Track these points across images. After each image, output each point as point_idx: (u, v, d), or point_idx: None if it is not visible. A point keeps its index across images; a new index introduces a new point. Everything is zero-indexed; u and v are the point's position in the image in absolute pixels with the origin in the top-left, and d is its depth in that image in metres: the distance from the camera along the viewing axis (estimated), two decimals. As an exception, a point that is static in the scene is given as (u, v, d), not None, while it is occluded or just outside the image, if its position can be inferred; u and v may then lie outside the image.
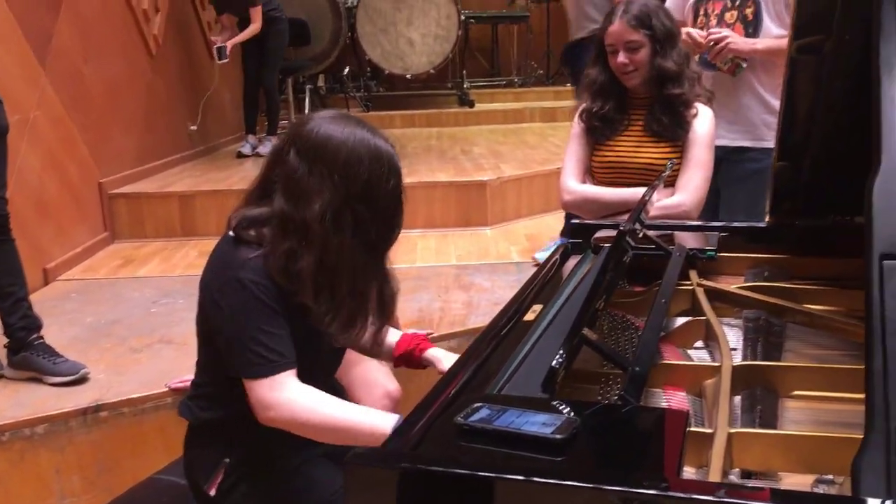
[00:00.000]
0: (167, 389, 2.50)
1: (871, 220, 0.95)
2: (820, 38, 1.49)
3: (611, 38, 2.32)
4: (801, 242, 1.98)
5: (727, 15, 2.58)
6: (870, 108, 1.07)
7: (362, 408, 1.50)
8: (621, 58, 2.30)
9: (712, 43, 2.52)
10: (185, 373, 2.46)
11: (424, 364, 1.81)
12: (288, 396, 1.44)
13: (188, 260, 4.16)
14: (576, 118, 2.46)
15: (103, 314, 3.30)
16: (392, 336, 1.82)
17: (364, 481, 0.95)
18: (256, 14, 5.78)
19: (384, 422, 1.38)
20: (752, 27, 2.56)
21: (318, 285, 1.49)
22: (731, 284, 1.88)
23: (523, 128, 7.47)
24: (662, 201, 2.32)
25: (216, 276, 1.53)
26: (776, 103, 2.69)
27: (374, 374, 2.12)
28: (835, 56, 1.41)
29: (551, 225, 4.43)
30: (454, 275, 3.72)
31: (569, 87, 8.56)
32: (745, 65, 2.59)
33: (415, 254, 4.06)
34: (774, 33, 2.55)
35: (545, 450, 0.96)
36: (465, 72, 8.55)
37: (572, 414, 1.04)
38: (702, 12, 2.62)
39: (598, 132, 2.40)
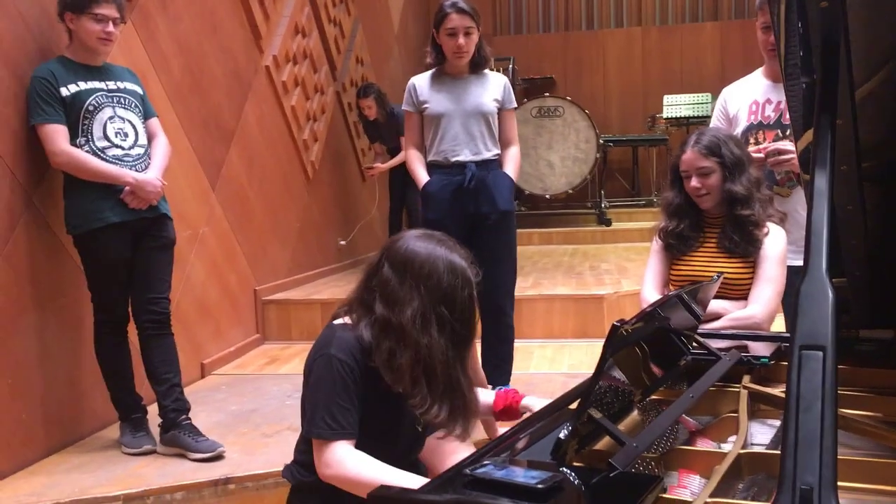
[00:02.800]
0: (286, 469, 2.83)
1: (797, 317, 1.16)
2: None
3: (685, 165, 2.57)
4: (862, 354, 2.10)
5: (779, 144, 2.77)
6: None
7: (398, 471, 1.75)
8: (694, 182, 2.54)
9: (775, 152, 2.70)
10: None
11: (522, 413, 2.08)
12: (341, 459, 1.74)
13: (325, 361, 4.58)
14: (654, 236, 2.70)
15: (245, 404, 3.74)
16: (486, 396, 2.11)
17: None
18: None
19: (412, 482, 1.65)
20: None
21: (414, 378, 1.80)
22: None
23: (658, 246, 7.60)
24: (735, 313, 2.49)
25: (315, 352, 1.87)
26: None
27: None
28: (839, 185, 1.60)
29: (668, 339, 4.53)
30: (562, 382, 3.91)
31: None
32: (796, 185, 2.76)
33: (530, 361, 4.29)
34: None
35: (529, 496, 1.19)
36: (602, 192, 8.85)
37: (567, 472, 1.27)
38: (752, 140, 2.81)
39: (674, 248, 2.62)
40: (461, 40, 3.26)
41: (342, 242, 6.48)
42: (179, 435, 3.04)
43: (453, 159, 3.34)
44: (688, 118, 9.25)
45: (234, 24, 4.82)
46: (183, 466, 2.94)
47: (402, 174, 6.53)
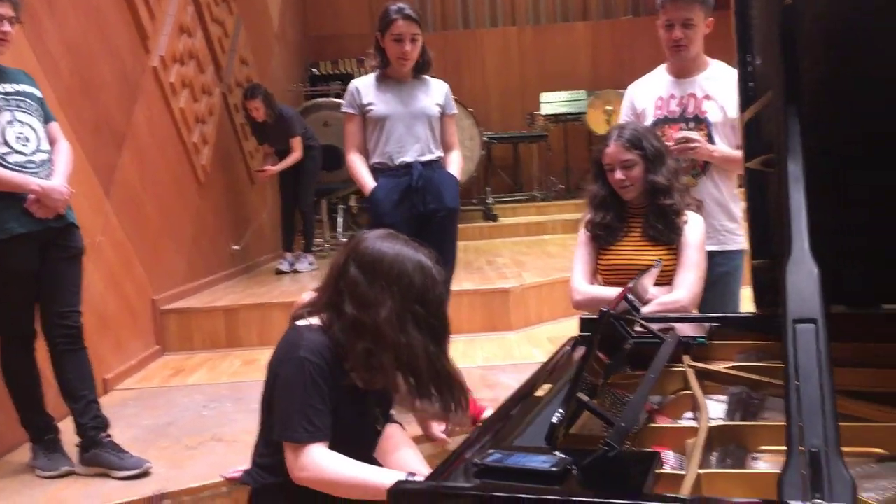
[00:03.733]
0: (222, 480, 2.75)
1: (786, 294, 1.25)
2: (769, 156, 1.82)
3: (608, 158, 2.67)
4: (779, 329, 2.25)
5: (687, 132, 2.93)
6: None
7: (375, 468, 1.79)
8: (618, 175, 2.65)
9: (683, 140, 2.87)
10: (237, 465, 2.74)
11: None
12: (316, 461, 1.74)
13: (233, 368, 4.47)
14: (581, 228, 2.79)
15: (159, 418, 3.60)
16: None
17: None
18: (297, 143, 6.31)
19: (392, 478, 1.64)
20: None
21: (396, 375, 1.82)
22: (721, 366, 2.15)
23: (545, 239, 7.84)
24: (661, 298, 2.61)
25: (282, 354, 1.85)
26: (736, 209, 3.02)
27: (408, 461, 2.38)
28: (778, 170, 1.73)
29: (573, 328, 4.69)
30: (480, 375, 3.99)
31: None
32: (700, 175, 2.95)
33: (444, 357, 4.33)
34: None
35: (544, 479, 1.23)
36: (488, 188, 9.02)
37: (566, 456, 1.31)
38: (659, 134, 2.97)
39: (601, 239, 2.72)
40: (407, 47, 3.29)
41: (235, 248, 6.32)
42: (101, 453, 2.89)
43: (398, 160, 3.35)
44: (565, 114, 9.58)
45: (121, 23, 4.62)
46: (107, 486, 2.81)
47: (292, 175, 6.43)
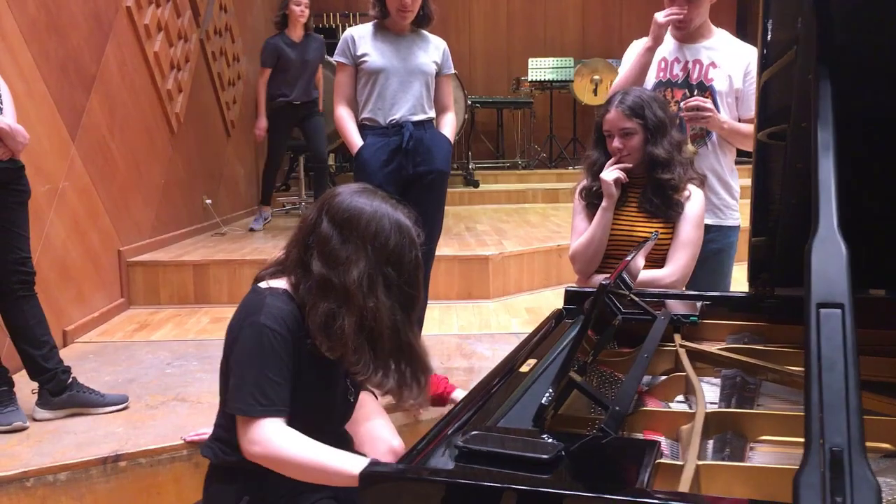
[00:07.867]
0: (183, 442, 2.63)
1: (810, 275, 1.13)
2: (783, 126, 1.70)
3: (607, 125, 2.53)
4: (779, 311, 2.15)
5: (700, 100, 2.80)
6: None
7: (336, 450, 1.56)
8: (616, 143, 2.51)
9: (695, 108, 2.73)
10: (199, 427, 2.61)
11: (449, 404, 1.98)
12: (270, 436, 1.56)
13: (200, 326, 4.32)
14: (576, 195, 2.66)
15: (120, 374, 3.45)
16: None
17: (377, 492, 1.10)
18: (320, 75, 6.33)
19: (353, 464, 1.43)
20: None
21: (357, 343, 1.65)
22: (713, 347, 2.04)
23: (526, 208, 7.71)
24: (652, 272, 2.49)
25: (241, 319, 1.69)
26: (734, 184, 2.91)
27: (379, 431, 2.26)
28: (794, 141, 1.61)
29: (551, 299, 4.61)
30: (456, 344, 3.88)
31: (570, 170, 8.88)
32: (707, 142, 2.83)
33: (419, 324, 4.21)
34: None
35: (533, 468, 1.11)
36: (470, 153, 8.86)
37: (557, 442, 1.20)
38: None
39: (596, 208, 2.57)
40: None
41: (208, 201, 6.12)
42: (78, 394, 2.86)
43: (390, 118, 3.18)
44: (551, 82, 9.40)
45: (94, -43, 4.37)
46: (62, 443, 2.67)
47: (293, 125, 6.21)
